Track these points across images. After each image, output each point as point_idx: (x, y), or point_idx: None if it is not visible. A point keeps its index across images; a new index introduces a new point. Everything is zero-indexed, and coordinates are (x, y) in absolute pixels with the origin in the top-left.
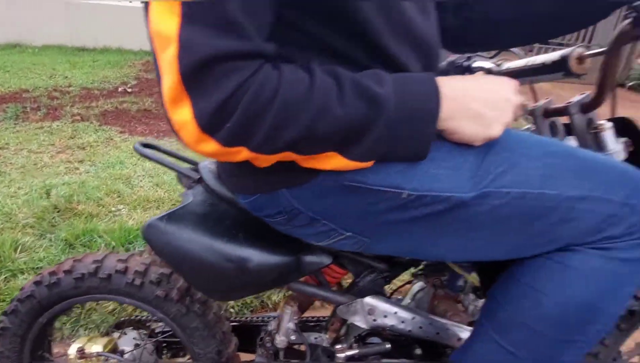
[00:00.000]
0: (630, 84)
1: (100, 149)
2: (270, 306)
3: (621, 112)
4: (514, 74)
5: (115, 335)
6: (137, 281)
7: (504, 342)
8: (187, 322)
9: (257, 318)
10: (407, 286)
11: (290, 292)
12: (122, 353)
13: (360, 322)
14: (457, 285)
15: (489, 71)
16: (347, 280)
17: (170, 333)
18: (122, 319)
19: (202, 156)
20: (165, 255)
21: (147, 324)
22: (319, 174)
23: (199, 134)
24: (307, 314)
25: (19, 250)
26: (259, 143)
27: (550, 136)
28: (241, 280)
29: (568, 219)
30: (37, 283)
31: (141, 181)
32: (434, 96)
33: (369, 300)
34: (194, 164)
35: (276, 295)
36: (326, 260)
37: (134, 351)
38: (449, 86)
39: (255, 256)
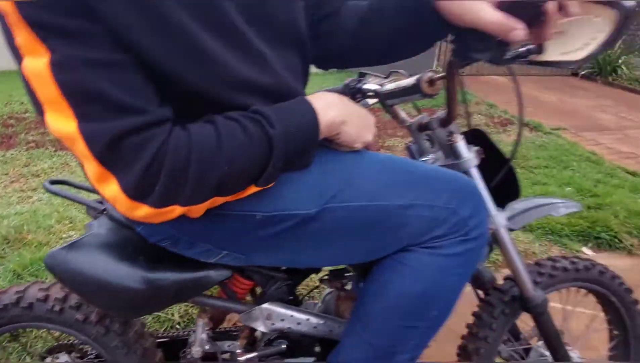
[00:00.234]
0: (583, 73)
1: (54, 176)
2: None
3: (571, 101)
4: (390, 94)
5: (48, 360)
6: (57, 307)
7: (365, 334)
8: (107, 342)
9: (184, 332)
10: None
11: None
12: None
13: (261, 326)
14: (359, 286)
15: (375, 92)
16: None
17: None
18: (56, 344)
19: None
20: (67, 282)
21: (80, 347)
22: None
23: (130, 203)
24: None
25: None
26: (187, 197)
27: (427, 147)
28: (143, 298)
29: (401, 225)
30: None
31: None
32: (314, 121)
33: (266, 306)
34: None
35: None
36: (225, 273)
37: None
38: (322, 100)
39: (154, 276)
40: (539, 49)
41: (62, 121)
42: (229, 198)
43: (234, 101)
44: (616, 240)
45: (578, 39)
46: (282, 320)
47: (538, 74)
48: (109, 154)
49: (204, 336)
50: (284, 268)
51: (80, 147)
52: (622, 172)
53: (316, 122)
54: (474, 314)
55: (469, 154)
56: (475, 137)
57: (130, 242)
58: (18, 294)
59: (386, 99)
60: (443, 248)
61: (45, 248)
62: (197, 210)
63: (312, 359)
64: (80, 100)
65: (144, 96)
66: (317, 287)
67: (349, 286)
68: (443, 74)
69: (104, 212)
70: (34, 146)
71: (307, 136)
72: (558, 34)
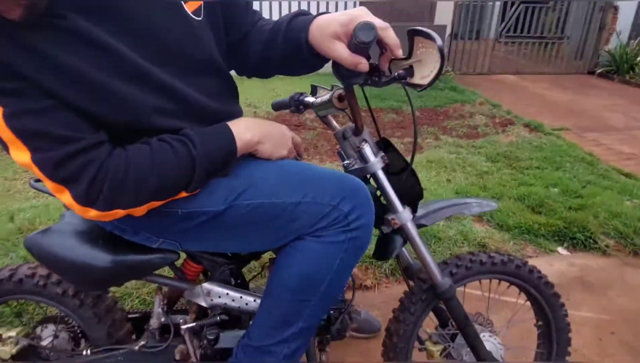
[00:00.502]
0: (599, 71)
1: None
2: None
3: (582, 100)
4: (318, 107)
5: (38, 328)
6: (41, 283)
7: (268, 306)
8: (82, 313)
9: (151, 310)
10: None
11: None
12: (38, 339)
13: (202, 302)
14: None
15: (312, 103)
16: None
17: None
18: (44, 317)
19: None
20: (43, 260)
21: (65, 319)
22: None
23: (81, 208)
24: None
25: None
26: (127, 203)
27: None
28: (103, 275)
29: (292, 218)
30: None
31: None
32: (232, 143)
33: (206, 285)
34: None
35: None
36: (170, 257)
37: (52, 339)
38: (241, 125)
39: (111, 257)
40: (406, 75)
41: (20, 155)
42: (164, 202)
43: (154, 126)
44: (591, 241)
45: (427, 67)
46: (220, 297)
47: (555, 73)
48: (59, 174)
49: (159, 310)
50: (229, 254)
51: (36, 171)
52: (617, 174)
53: (233, 144)
54: (399, 300)
55: (374, 159)
56: (387, 145)
57: (94, 229)
58: (11, 271)
59: (317, 111)
60: (327, 237)
61: None
62: (138, 211)
63: (244, 331)
64: (29, 138)
65: (78, 128)
66: (260, 272)
67: None
68: (343, 92)
69: None
70: None
71: (225, 154)
72: (418, 63)
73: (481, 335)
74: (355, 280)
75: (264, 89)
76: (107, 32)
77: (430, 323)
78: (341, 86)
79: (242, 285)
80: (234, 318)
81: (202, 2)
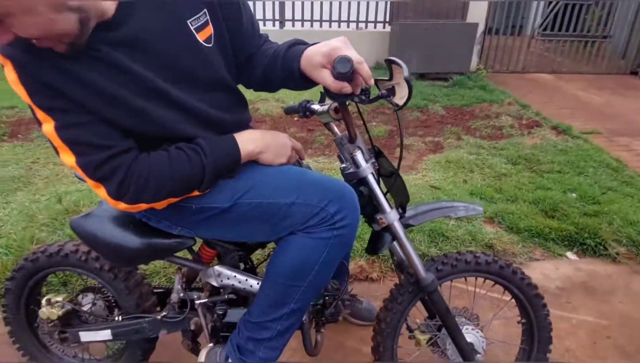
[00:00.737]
0: None
1: None
2: None
3: (618, 102)
4: (320, 115)
5: (80, 296)
6: (83, 258)
7: (265, 288)
8: (116, 285)
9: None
10: None
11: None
12: (79, 305)
13: (213, 282)
14: None
15: (316, 111)
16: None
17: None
18: (85, 287)
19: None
20: (84, 239)
21: (102, 289)
22: None
23: (113, 201)
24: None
25: (34, 242)
26: (149, 199)
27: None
28: (132, 254)
29: (287, 217)
30: (25, 259)
31: None
32: (236, 152)
33: (217, 267)
34: None
35: None
36: (187, 243)
37: (91, 306)
38: (246, 137)
39: (139, 240)
40: (388, 94)
41: (67, 158)
42: (180, 199)
43: (172, 134)
44: (601, 247)
45: (403, 90)
46: (228, 278)
47: (595, 73)
48: (96, 174)
49: (179, 287)
50: (238, 243)
51: (79, 171)
52: None
53: (238, 153)
54: (390, 291)
55: (365, 165)
56: (379, 153)
57: (126, 216)
58: (59, 247)
59: (320, 118)
60: (316, 233)
61: None
62: (159, 205)
63: None
64: (74, 146)
65: (111, 137)
66: (266, 259)
67: None
68: (336, 105)
69: None
70: None
71: (231, 162)
72: (397, 84)
73: (465, 328)
74: (361, 272)
75: None
76: (134, 60)
77: (420, 315)
78: None
79: (250, 270)
80: (241, 297)
81: (212, 32)
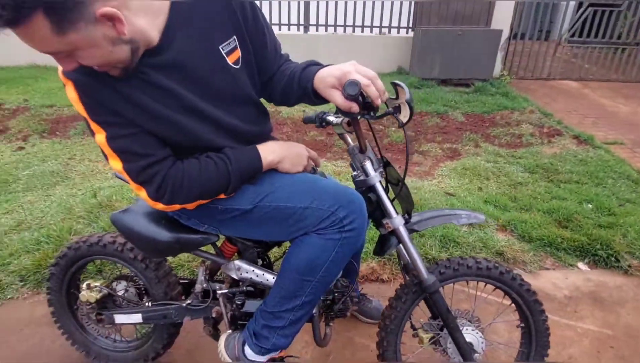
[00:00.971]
0: None
1: None
2: None
3: None
4: (334, 126)
5: (114, 283)
6: (120, 248)
7: (280, 281)
8: (146, 274)
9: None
10: None
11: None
12: (114, 290)
13: (234, 275)
14: None
15: (331, 122)
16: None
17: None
18: (119, 274)
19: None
20: (122, 232)
21: (134, 278)
22: None
23: (152, 202)
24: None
25: (72, 233)
26: (182, 201)
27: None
28: (163, 246)
29: (301, 219)
30: (68, 247)
31: None
32: (258, 162)
33: (237, 261)
34: None
35: None
36: (212, 238)
37: (124, 292)
38: (267, 148)
39: (169, 234)
40: (395, 111)
41: (115, 164)
42: (208, 201)
43: (204, 144)
44: (613, 259)
45: (406, 109)
46: (247, 272)
47: (624, 80)
48: (139, 178)
49: (202, 278)
50: (258, 240)
51: (125, 175)
52: None
53: (260, 163)
54: (395, 290)
55: (373, 174)
56: (387, 164)
57: (159, 212)
58: (99, 238)
59: (334, 129)
60: (327, 235)
61: None
62: (190, 206)
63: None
64: (122, 154)
65: (152, 146)
66: (282, 256)
67: None
68: (348, 119)
69: None
70: None
71: (253, 170)
72: (402, 104)
73: (465, 329)
74: (372, 273)
75: None
76: (174, 81)
77: (425, 315)
78: None
79: (267, 266)
80: (258, 290)
81: (240, 55)
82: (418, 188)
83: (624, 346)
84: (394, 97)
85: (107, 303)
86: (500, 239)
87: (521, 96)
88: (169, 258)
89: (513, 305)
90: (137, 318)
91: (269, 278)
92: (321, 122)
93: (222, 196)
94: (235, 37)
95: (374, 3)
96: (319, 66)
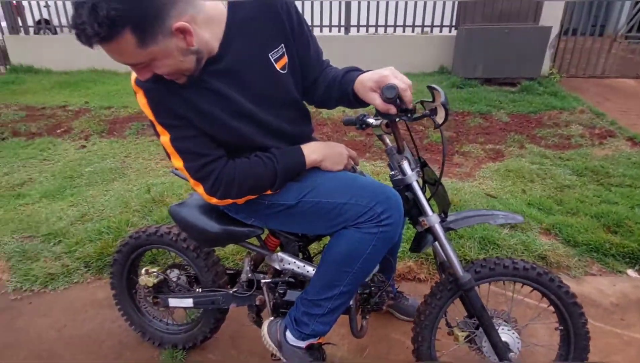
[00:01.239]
0: None
1: None
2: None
3: None
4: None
5: (168, 270)
6: (174, 238)
7: (320, 271)
8: (197, 263)
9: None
10: None
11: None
12: (168, 277)
13: (277, 266)
14: None
15: (371, 124)
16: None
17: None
18: (172, 263)
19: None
20: (178, 223)
21: (186, 266)
22: None
23: (207, 197)
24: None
25: (129, 225)
26: (234, 196)
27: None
28: (213, 237)
29: (341, 214)
30: (130, 237)
31: None
32: (302, 161)
33: (280, 253)
34: None
35: None
36: (257, 231)
37: (176, 279)
38: (310, 147)
39: (219, 226)
40: (431, 113)
41: (177, 162)
42: (256, 196)
43: (254, 145)
44: None
45: (442, 111)
46: (289, 264)
47: None
48: (197, 176)
49: (247, 269)
50: (299, 235)
51: (185, 173)
52: None
53: (303, 162)
54: (431, 287)
55: (410, 173)
56: (425, 163)
57: (211, 206)
58: (156, 228)
59: (374, 130)
60: (365, 229)
61: None
62: (240, 201)
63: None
64: (183, 153)
65: (208, 147)
66: (321, 251)
67: None
68: (387, 121)
69: None
70: None
71: (297, 168)
72: (439, 106)
73: (501, 328)
74: (409, 272)
75: None
76: (229, 87)
77: (461, 314)
78: None
79: (307, 259)
80: (298, 281)
81: (286, 61)
82: (458, 189)
83: None
84: (430, 100)
85: (163, 288)
86: (543, 242)
87: (571, 95)
88: (216, 251)
89: (551, 307)
90: (188, 302)
91: (309, 270)
92: (361, 124)
93: (269, 192)
94: (283, 44)
95: (416, 3)
96: (359, 71)
